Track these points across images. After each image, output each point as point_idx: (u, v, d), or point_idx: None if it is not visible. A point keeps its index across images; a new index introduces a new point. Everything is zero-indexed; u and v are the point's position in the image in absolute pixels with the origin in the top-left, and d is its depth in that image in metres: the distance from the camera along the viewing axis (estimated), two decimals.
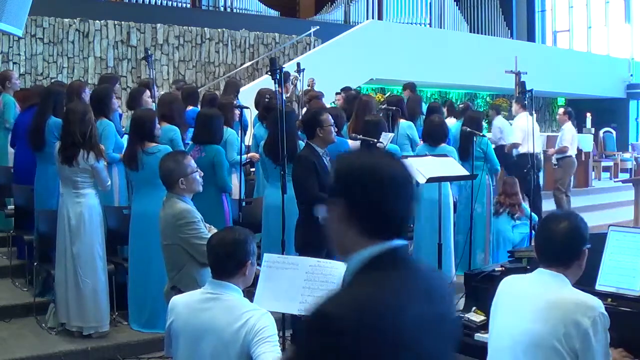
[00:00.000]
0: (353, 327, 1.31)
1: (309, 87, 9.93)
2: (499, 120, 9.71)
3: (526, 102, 6.83)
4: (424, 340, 1.43)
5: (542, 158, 11.67)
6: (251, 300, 3.24)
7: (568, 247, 2.45)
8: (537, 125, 9.78)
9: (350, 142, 5.82)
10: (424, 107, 8.22)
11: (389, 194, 1.46)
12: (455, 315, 1.65)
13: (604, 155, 15.13)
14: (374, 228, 1.46)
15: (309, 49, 13.91)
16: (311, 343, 1.35)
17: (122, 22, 12.11)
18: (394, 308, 1.38)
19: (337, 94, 9.75)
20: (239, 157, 6.02)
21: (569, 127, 9.69)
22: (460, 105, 10.23)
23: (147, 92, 6.54)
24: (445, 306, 1.56)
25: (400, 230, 1.50)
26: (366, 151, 1.56)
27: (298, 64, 9.54)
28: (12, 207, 6.33)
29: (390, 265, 1.45)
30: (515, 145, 9.03)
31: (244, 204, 6.01)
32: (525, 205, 7.27)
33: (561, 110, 10.24)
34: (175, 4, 14.06)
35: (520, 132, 9.07)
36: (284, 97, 5.56)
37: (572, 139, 9.59)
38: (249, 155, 6.47)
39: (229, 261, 2.72)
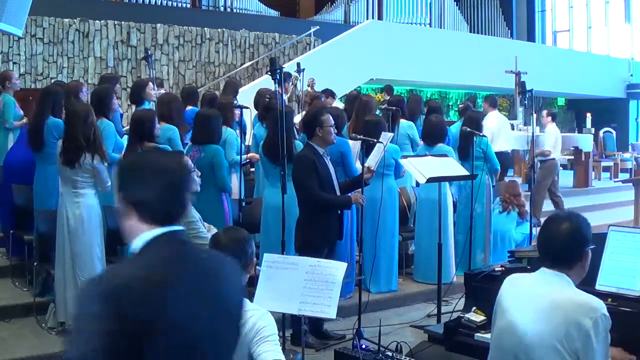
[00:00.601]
0: (112, 296, 1.53)
1: (309, 87, 9.92)
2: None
3: (528, 102, 6.79)
4: (191, 312, 1.62)
5: (537, 157, 11.69)
6: (251, 300, 3.24)
7: (569, 249, 2.44)
8: (508, 123, 9.89)
9: (350, 142, 5.82)
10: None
11: (154, 186, 1.70)
12: (238, 298, 1.85)
13: (604, 155, 15.11)
14: (148, 216, 1.70)
15: (309, 49, 13.90)
16: (82, 306, 1.59)
17: (122, 22, 12.11)
18: (151, 281, 1.58)
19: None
20: (238, 157, 6.02)
21: (552, 130, 9.63)
22: (460, 105, 10.23)
23: (150, 85, 6.52)
24: (225, 288, 1.76)
25: (173, 218, 1.72)
26: (143, 152, 1.86)
27: (298, 64, 9.54)
28: None
29: (162, 247, 1.68)
30: None
31: (243, 204, 6.01)
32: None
33: (545, 112, 10.16)
34: (175, 4, 14.05)
35: (489, 132, 9.04)
36: (284, 97, 5.56)
37: (555, 142, 9.54)
38: (248, 155, 6.47)
39: (240, 261, 2.72)
